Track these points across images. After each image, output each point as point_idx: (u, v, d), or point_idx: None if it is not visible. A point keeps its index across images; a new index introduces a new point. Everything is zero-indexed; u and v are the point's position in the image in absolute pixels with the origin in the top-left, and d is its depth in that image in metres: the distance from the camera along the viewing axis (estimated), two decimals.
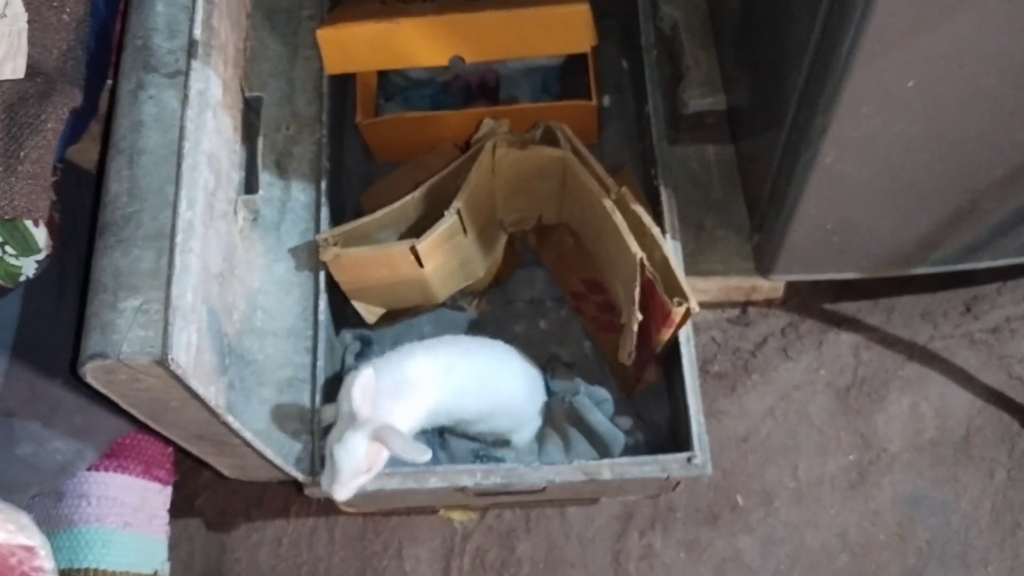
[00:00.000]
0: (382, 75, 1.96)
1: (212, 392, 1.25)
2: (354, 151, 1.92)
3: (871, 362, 1.82)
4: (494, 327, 1.80)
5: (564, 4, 1.64)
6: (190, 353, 1.23)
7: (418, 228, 1.55)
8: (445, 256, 1.58)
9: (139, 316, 1.11)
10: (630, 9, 1.87)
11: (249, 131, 1.58)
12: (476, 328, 1.80)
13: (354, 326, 1.74)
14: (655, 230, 1.49)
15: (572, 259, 1.79)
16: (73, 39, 1.20)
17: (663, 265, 1.47)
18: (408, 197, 1.57)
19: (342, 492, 1.37)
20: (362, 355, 1.76)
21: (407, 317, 1.76)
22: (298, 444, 1.48)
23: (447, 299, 1.74)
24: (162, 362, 1.10)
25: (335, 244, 1.53)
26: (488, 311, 1.82)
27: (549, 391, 1.68)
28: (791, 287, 1.85)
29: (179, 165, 1.20)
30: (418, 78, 1.96)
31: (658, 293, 1.45)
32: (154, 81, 1.26)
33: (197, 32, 1.29)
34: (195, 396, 1.19)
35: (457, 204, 1.53)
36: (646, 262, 1.46)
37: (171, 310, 1.13)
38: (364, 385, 1.37)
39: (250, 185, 1.54)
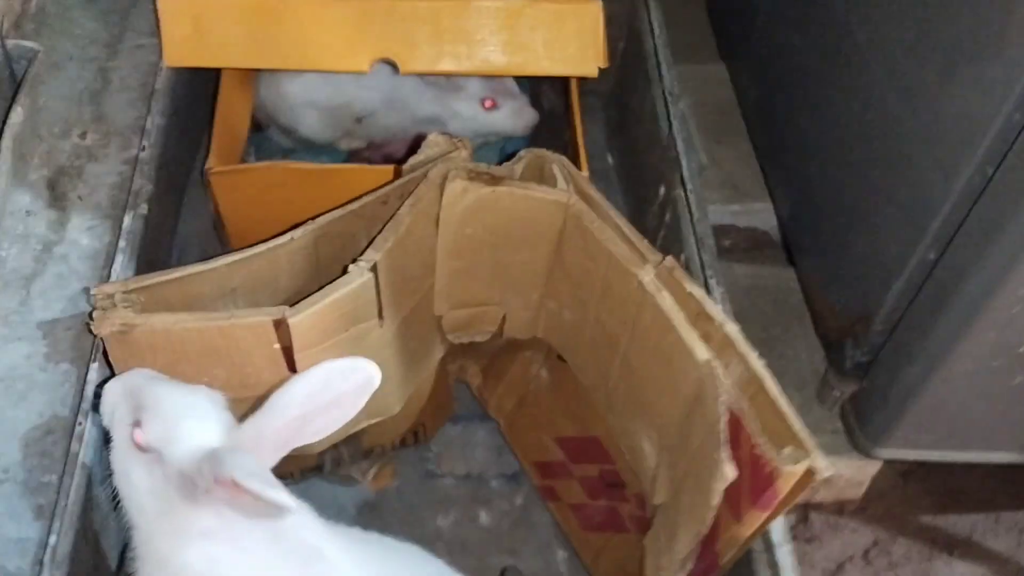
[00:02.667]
0: (256, 129, 1.31)
1: None
2: (195, 219, 1.21)
3: None
4: (403, 516, 1.06)
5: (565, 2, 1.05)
6: None
7: (295, 299, 0.82)
8: (338, 356, 0.86)
9: None
10: (624, 76, 1.31)
11: None
12: (371, 516, 1.06)
13: None
14: (731, 328, 0.82)
15: (544, 407, 1.08)
16: None
17: (753, 387, 0.79)
18: (285, 237, 0.87)
19: None
20: None
21: None
22: None
23: (325, 456, 1.00)
24: None
25: (127, 305, 0.79)
26: (393, 487, 1.08)
27: None
28: (872, 488, 1.20)
29: None
30: (310, 137, 1.31)
31: (747, 436, 0.76)
32: None
33: None
34: None
35: (374, 255, 0.83)
36: (722, 375, 0.78)
37: None
38: None
39: None
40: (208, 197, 1.17)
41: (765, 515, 0.78)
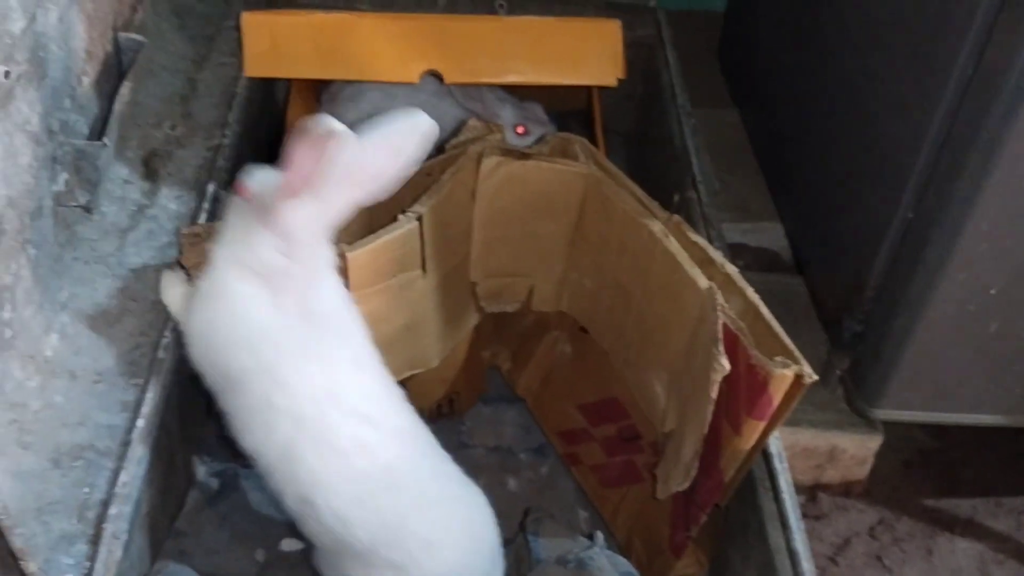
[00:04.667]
0: None
1: None
2: None
3: None
4: None
5: (589, 19, 1.22)
6: None
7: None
8: (387, 301, 0.99)
9: None
10: (643, 115, 1.46)
11: (106, 75, 1.04)
12: None
13: (214, 452, 1.09)
14: (730, 268, 0.94)
15: (567, 379, 1.19)
16: None
17: (750, 316, 0.90)
18: None
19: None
20: (218, 499, 1.09)
21: None
22: (64, 557, 0.77)
23: None
24: None
25: (210, 243, 0.93)
26: None
27: (531, 556, 1.00)
28: (876, 475, 1.27)
29: None
30: None
31: (744, 351, 0.86)
32: None
33: None
34: None
35: (420, 208, 0.97)
36: (721, 299, 0.89)
37: None
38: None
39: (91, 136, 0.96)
40: None
41: (762, 425, 0.88)
